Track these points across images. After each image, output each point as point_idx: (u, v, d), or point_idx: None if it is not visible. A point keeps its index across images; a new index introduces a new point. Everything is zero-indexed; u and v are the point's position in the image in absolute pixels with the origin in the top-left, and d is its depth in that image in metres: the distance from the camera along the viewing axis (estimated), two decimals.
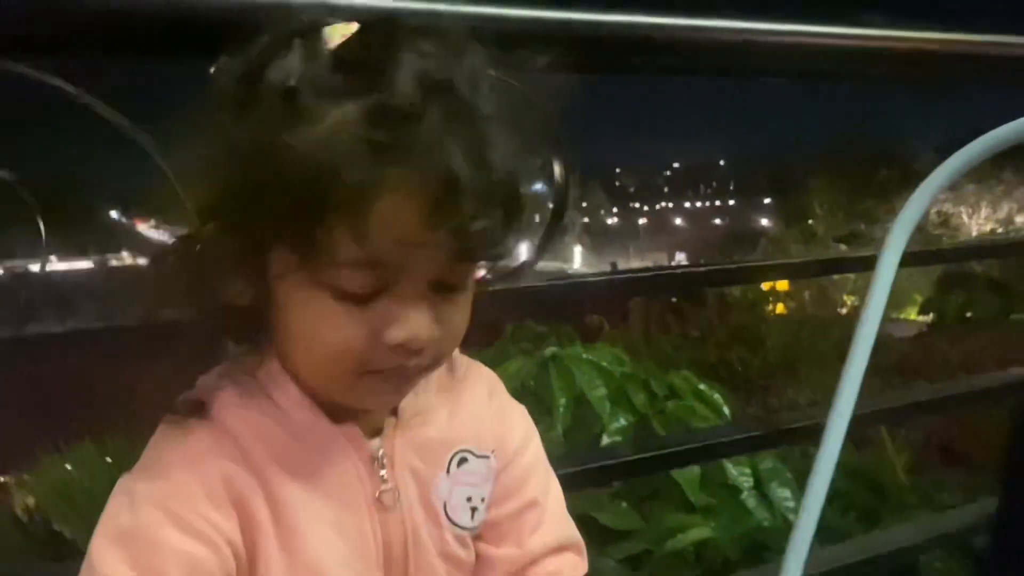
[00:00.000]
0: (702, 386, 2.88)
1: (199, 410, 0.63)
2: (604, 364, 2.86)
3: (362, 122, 0.53)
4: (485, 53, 0.59)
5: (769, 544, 2.28)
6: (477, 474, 0.71)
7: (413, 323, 0.58)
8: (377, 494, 0.66)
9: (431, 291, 0.60)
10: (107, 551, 0.58)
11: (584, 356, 2.89)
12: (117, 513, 0.59)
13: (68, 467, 4.54)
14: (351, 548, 0.65)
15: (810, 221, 23.90)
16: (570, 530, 0.77)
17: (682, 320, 8.98)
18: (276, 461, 0.63)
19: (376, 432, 0.68)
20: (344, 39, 0.56)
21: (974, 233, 20.35)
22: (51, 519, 4.65)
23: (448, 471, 0.69)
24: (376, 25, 0.58)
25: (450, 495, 0.69)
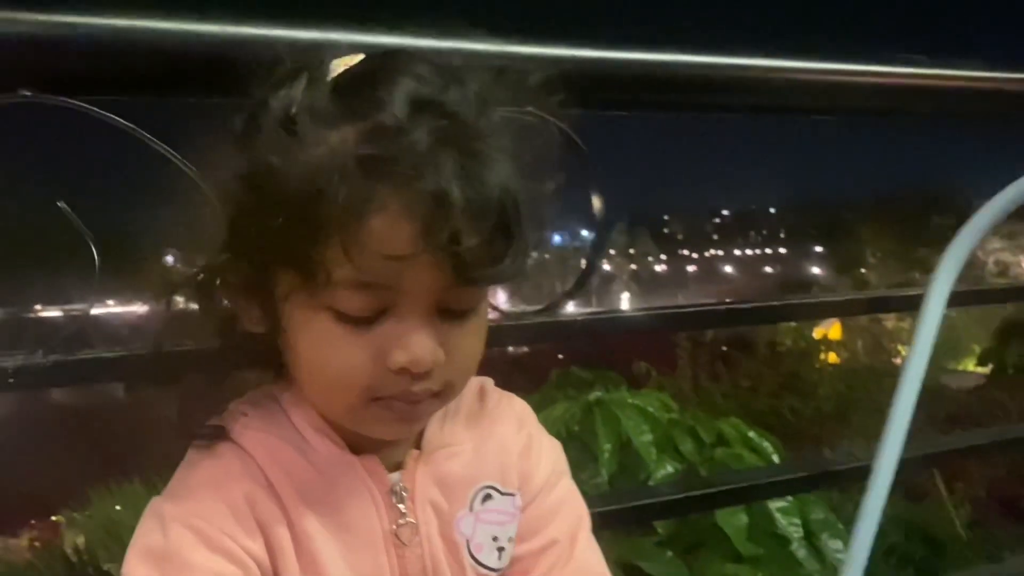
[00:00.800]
0: (751, 433, 2.82)
1: (222, 435, 0.64)
2: (651, 410, 2.83)
3: (354, 142, 0.54)
4: (491, 81, 0.60)
5: None
6: (503, 512, 0.69)
7: (415, 346, 0.58)
8: (395, 528, 0.65)
9: (438, 316, 0.59)
10: (139, 570, 0.59)
11: (630, 401, 2.86)
12: (148, 534, 0.60)
13: (118, 507, 4.61)
14: None
15: (862, 270, 23.59)
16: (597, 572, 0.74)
17: (732, 368, 8.86)
18: (295, 489, 0.63)
19: (398, 465, 0.67)
20: (346, 68, 0.59)
21: None
22: (100, 558, 4.72)
23: (471, 507, 0.68)
24: (378, 55, 0.60)
25: (473, 533, 0.68)
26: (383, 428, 0.63)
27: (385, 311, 0.58)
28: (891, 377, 1.31)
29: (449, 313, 0.60)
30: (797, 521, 2.45)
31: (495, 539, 0.68)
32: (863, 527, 1.21)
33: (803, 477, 1.41)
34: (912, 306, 1.18)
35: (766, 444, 2.81)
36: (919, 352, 1.21)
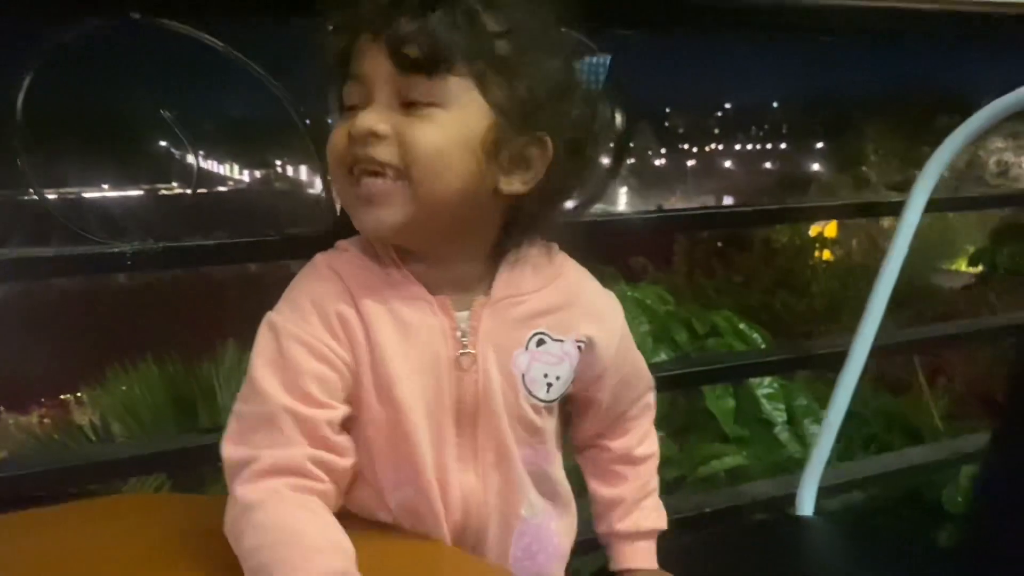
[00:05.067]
0: (742, 325, 2.96)
1: (325, 261, 0.81)
2: (648, 302, 2.95)
3: None
4: None
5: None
6: (553, 354, 0.83)
7: (362, 116, 0.73)
8: (457, 356, 0.79)
9: (401, 106, 0.73)
10: (265, 375, 0.75)
11: (628, 294, 2.97)
12: (267, 345, 0.77)
13: (133, 386, 4.78)
14: (429, 393, 0.79)
15: (863, 167, 23.43)
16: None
17: (727, 264, 8.99)
18: (377, 312, 0.78)
19: (468, 306, 0.81)
20: None
21: None
22: (114, 433, 4.92)
23: (527, 347, 0.82)
24: None
25: (528, 368, 0.82)
26: (362, 212, 0.76)
27: (366, 103, 0.74)
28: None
29: (412, 105, 0.73)
30: (781, 406, 2.61)
31: (545, 376, 0.83)
32: (836, 404, 1.35)
33: (785, 359, 1.54)
34: (898, 211, 1.29)
35: (756, 335, 2.95)
36: (897, 249, 1.33)
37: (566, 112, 0.78)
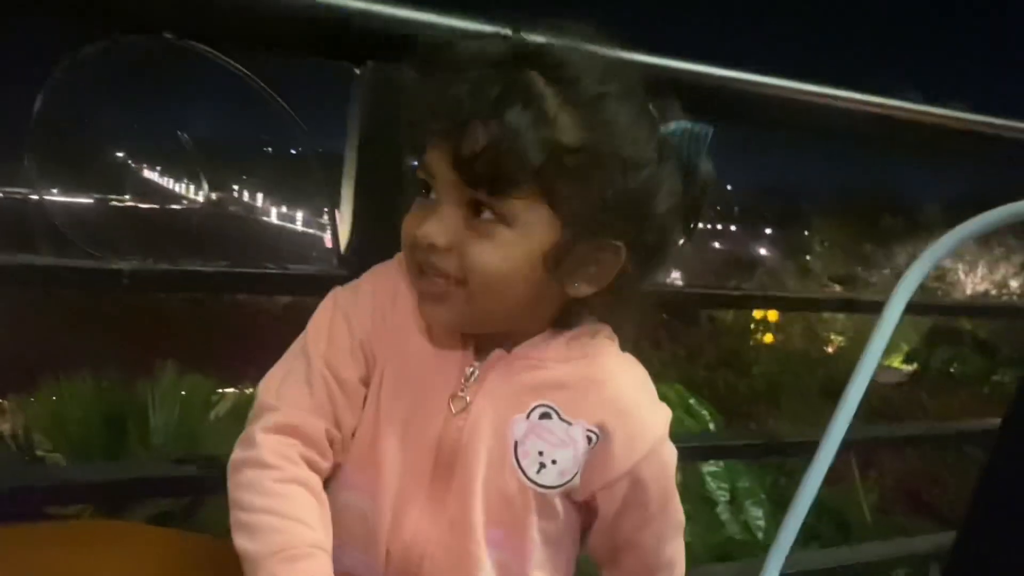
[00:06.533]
0: (692, 400, 3.00)
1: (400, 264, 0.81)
2: None
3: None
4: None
5: (736, 556, 2.41)
6: (556, 435, 0.76)
7: (426, 227, 0.72)
8: (452, 396, 0.77)
9: (469, 214, 0.72)
10: (312, 332, 0.80)
11: None
12: (324, 311, 0.81)
13: (64, 399, 4.63)
14: (415, 426, 0.78)
15: (808, 257, 24.04)
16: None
17: (673, 337, 9.10)
18: (409, 323, 0.80)
19: (486, 356, 0.79)
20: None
21: (968, 291, 20.49)
22: (36, 444, 4.75)
23: (528, 416, 0.77)
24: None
25: (523, 439, 0.76)
26: (421, 304, 0.77)
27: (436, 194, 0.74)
28: (822, 364, 1.45)
29: (478, 209, 0.72)
30: (725, 486, 2.64)
31: (541, 453, 0.76)
32: (803, 495, 1.37)
33: (740, 445, 1.55)
34: (861, 310, 1.33)
35: (704, 412, 3.00)
36: (873, 353, 1.37)
37: (645, 214, 0.74)
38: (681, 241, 0.81)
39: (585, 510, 0.81)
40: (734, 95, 1.23)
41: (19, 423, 4.98)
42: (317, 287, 0.91)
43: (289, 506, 0.72)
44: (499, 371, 0.78)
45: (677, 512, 0.83)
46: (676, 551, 0.84)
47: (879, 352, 1.37)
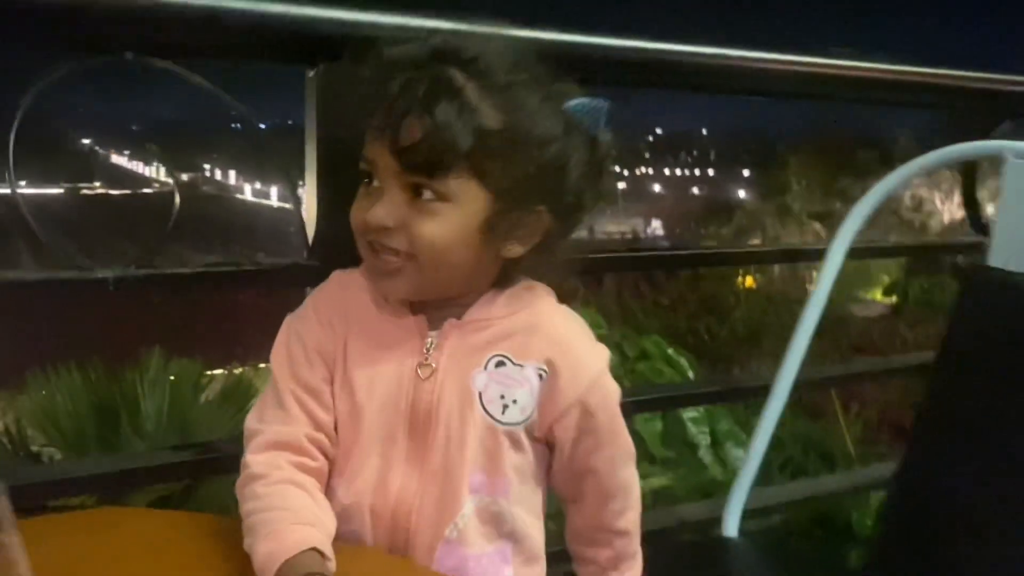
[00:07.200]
0: (671, 351, 3.08)
1: (341, 276, 0.93)
2: None
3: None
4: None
5: (720, 495, 2.50)
6: (512, 378, 0.88)
7: (374, 211, 0.82)
8: (418, 365, 0.88)
9: (410, 196, 0.82)
10: (278, 363, 0.89)
11: None
12: (282, 336, 0.91)
13: (54, 392, 4.65)
14: (388, 395, 0.88)
15: (787, 196, 24.16)
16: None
17: (654, 287, 9.20)
18: (361, 319, 0.90)
19: (440, 326, 0.89)
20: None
21: (946, 220, 20.66)
22: (31, 440, 4.78)
23: (485, 368, 0.88)
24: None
25: (485, 388, 0.87)
26: (378, 280, 0.87)
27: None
28: (802, 304, 1.53)
29: (418, 190, 0.82)
30: (706, 429, 2.73)
31: (502, 396, 0.88)
32: (760, 434, 1.45)
33: (714, 392, 1.63)
34: (819, 258, 1.41)
35: (683, 360, 3.08)
36: (818, 294, 1.45)
37: (560, 181, 0.85)
38: (610, 202, 0.91)
39: (545, 448, 0.92)
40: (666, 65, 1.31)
41: (10, 420, 5.00)
42: (290, 279, 0.98)
43: (280, 500, 0.82)
44: (455, 336, 0.89)
45: (627, 442, 0.95)
46: (630, 476, 0.97)
47: (825, 293, 1.45)
